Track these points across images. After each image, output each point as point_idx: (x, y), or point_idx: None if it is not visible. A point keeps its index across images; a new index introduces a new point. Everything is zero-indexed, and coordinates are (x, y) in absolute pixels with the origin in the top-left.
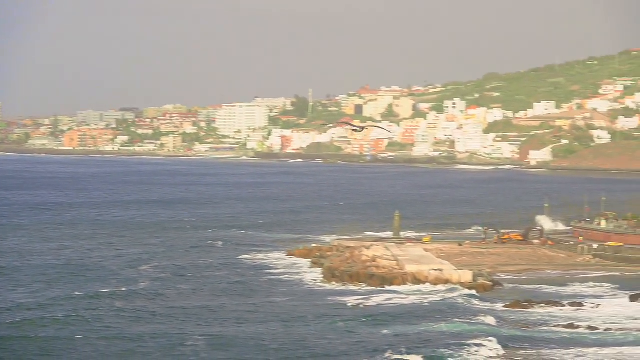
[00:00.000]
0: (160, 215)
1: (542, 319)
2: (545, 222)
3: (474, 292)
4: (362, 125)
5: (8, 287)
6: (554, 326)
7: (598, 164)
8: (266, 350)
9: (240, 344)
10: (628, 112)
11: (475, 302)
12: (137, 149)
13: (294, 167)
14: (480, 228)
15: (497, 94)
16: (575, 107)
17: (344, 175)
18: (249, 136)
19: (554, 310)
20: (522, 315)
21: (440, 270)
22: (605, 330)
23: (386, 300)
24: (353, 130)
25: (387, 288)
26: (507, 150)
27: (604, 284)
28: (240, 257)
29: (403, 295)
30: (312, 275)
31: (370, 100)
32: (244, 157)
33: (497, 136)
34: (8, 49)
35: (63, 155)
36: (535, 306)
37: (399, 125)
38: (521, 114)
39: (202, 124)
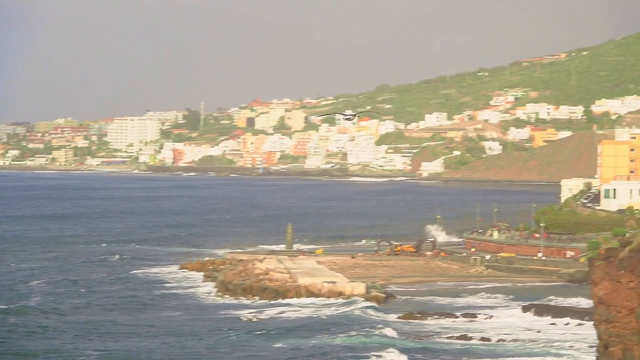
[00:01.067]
0: (53, 230)
1: (436, 330)
2: (438, 234)
3: (369, 303)
4: (354, 112)
5: None
6: (448, 337)
7: (490, 175)
8: None
9: (133, 358)
10: (519, 123)
11: (371, 314)
12: (28, 163)
13: (187, 180)
14: (373, 240)
15: (389, 106)
16: (466, 118)
17: (237, 188)
18: (141, 150)
19: (447, 321)
20: (416, 327)
21: (334, 282)
22: (498, 341)
23: (280, 313)
24: (346, 118)
25: (281, 301)
26: (399, 162)
27: (496, 295)
28: (134, 271)
29: (297, 308)
30: (205, 289)
31: (262, 113)
32: (136, 171)
33: (389, 148)
34: None
35: None
36: (428, 317)
37: (290, 138)
38: (413, 125)
39: (94, 138)
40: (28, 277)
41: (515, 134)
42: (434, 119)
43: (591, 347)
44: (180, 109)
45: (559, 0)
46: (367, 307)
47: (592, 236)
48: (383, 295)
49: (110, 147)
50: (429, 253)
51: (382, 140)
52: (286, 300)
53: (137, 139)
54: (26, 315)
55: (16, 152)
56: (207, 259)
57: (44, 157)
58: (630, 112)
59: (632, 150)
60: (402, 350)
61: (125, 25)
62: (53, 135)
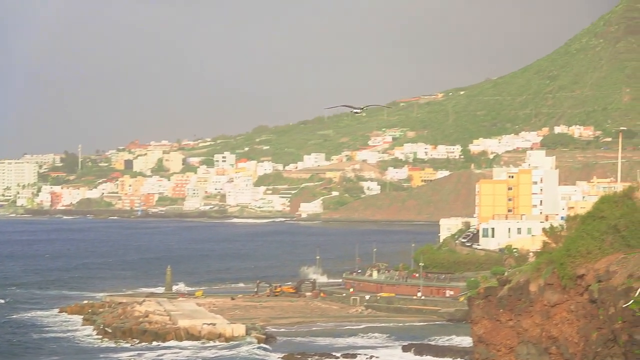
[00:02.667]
0: None
1: None
2: (318, 274)
3: (250, 346)
4: (362, 106)
5: None
6: None
7: (369, 215)
8: None
9: None
10: (397, 163)
11: (253, 355)
12: None
13: (65, 223)
14: (253, 281)
15: (267, 147)
16: (345, 158)
17: (116, 230)
18: (18, 193)
19: None
20: None
21: (213, 324)
22: None
23: (159, 356)
24: (355, 112)
25: (161, 344)
26: (278, 203)
27: (377, 334)
28: (12, 315)
29: (177, 351)
30: (84, 332)
31: (140, 155)
32: (14, 215)
33: (268, 189)
34: None
35: None
36: (309, 358)
37: (169, 180)
38: (291, 166)
39: None
40: None
41: (394, 174)
42: (312, 160)
43: None
44: (57, 152)
45: (435, 40)
46: (248, 349)
47: (471, 275)
48: (263, 336)
49: None
50: (308, 294)
51: (261, 181)
52: (166, 343)
53: (15, 182)
54: None
55: None
56: (86, 302)
57: None
58: (507, 151)
59: (509, 189)
60: None
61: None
62: None
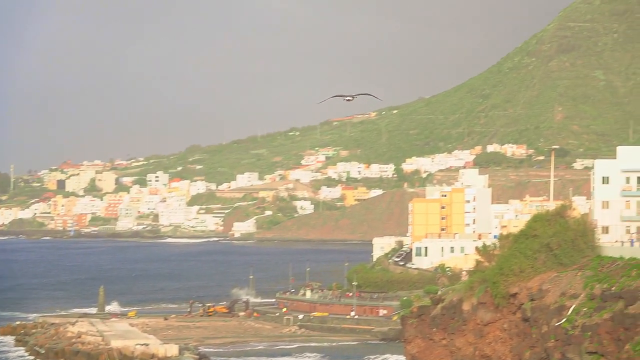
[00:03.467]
0: None
1: None
2: (251, 294)
3: None
4: (353, 95)
5: None
6: None
7: (302, 234)
8: None
9: None
10: (330, 182)
11: None
12: None
13: None
14: (186, 302)
15: (200, 167)
16: (278, 178)
17: (49, 251)
18: None
19: None
20: None
21: (146, 345)
22: None
23: None
24: (346, 100)
25: None
26: (212, 223)
27: (310, 354)
28: None
29: None
30: (17, 354)
31: (72, 175)
32: None
33: (201, 208)
34: None
35: None
36: None
37: (102, 200)
38: (224, 185)
39: None
40: None
41: (327, 193)
42: (245, 179)
43: None
44: None
45: (367, 59)
46: None
47: (405, 294)
48: (197, 356)
49: None
50: (242, 313)
51: (194, 200)
52: None
53: None
54: None
55: None
56: (18, 323)
57: None
58: (440, 170)
59: (442, 207)
60: None
61: None
62: None
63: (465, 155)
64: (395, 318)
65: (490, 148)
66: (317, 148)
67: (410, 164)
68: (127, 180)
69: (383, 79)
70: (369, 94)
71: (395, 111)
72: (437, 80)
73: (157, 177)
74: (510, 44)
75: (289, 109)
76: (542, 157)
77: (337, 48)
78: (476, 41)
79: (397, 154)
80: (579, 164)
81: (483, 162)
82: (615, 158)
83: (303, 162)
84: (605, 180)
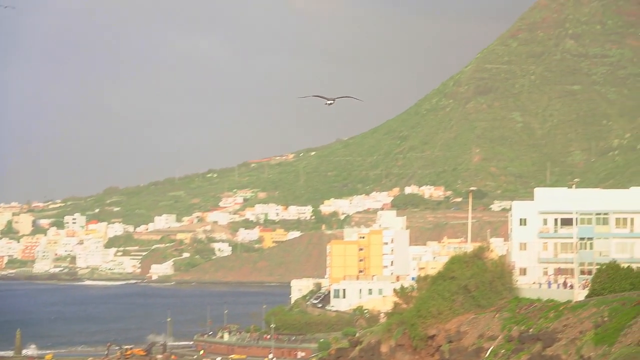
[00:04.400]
0: None
1: None
2: (169, 337)
3: None
4: (334, 98)
5: None
6: None
7: (220, 276)
8: None
9: None
10: (248, 224)
11: None
12: None
13: None
14: (103, 345)
15: (118, 209)
16: (196, 220)
17: None
18: None
19: None
20: None
21: None
22: None
23: None
24: (328, 104)
25: None
26: (129, 265)
27: None
28: None
29: None
30: None
31: None
32: None
33: (119, 250)
34: None
35: None
36: None
37: (18, 242)
38: (142, 227)
39: None
40: None
41: (245, 235)
42: (163, 221)
43: None
44: None
45: (285, 99)
46: None
47: (323, 336)
48: None
49: None
50: (159, 356)
51: (111, 243)
52: None
53: None
54: None
55: None
56: None
57: None
58: (358, 212)
59: (360, 249)
60: None
61: None
62: None
63: (383, 197)
64: None
65: (408, 190)
66: (235, 190)
67: (328, 206)
68: (44, 222)
69: (301, 120)
70: (349, 97)
71: (313, 153)
72: (355, 122)
73: (74, 219)
74: (428, 85)
75: (207, 150)
76: (459, 199)
77: (255, 89)
78: (394, 83)
79: (315, 196)
80: (496, 206)
81: (401, 204)
82: (532, 200)
83: (221, 204)
84: (522, 222)
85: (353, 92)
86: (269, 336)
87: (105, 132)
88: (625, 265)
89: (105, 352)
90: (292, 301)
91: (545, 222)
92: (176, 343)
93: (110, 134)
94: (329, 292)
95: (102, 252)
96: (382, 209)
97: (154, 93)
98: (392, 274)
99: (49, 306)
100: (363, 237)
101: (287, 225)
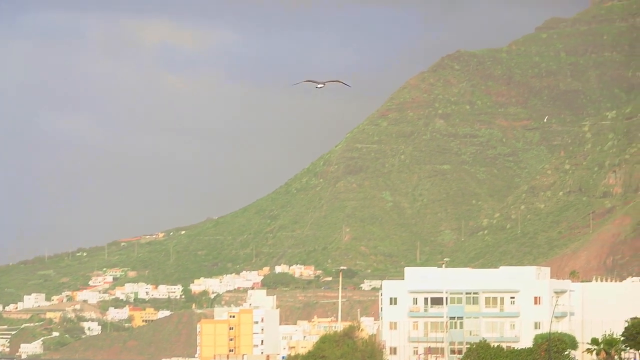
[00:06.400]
0: None
1: None
2: None
3: None
4: (324, 81)
5: None
6: None
7: (89, 355)
8: None
9: None
10: (118, 303)
11: None
12: None
13: None
14: None
15: None
16: (65, 299)
17: None
18: None
19: None
20: None
21: None
22: None
23: None
24: (318, 87)
25: None
26: None
27: None
28: None
29: None
30: None
31: None
32: None
33: None
34: None
35: None
36: None
37: None
38: (11, 306)
39: None
40: None
41: (115, 314)
42: (32, 300)
43: None
44: None
45: (157, 180)
46: None
47: None
48: None
49: None
50: None
51: None
52: None
53: None
54: None
55: None
56: None
57: None
58: (228, 291)
59: (231, 328)
60: None
61: None
62: None
63: (254, 276)
64: None
65: (279, 269)
66: (104, 269)
67: (198, 285)
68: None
69: (171, 199)
70: (339, 81)
71: (183, 232)
72: (225, 201)
73: None
74: (299, 165)
75: (77, 229)
76: (330, 278)
77: (125, 167)
78: (264, 161)
79: (185, 275)
80: (366, 285)
81: (271, 283)
82: (402, 279)
83: (91, 282)
84: (393, 301)
85: (221, 172)
86: None
87: None
88: (496, 345)
89: None
90: None
91: (415, 301)
92: None
93: None
94: None
95: None
96: (252, 288)
97: (25, 172)
98: (262, 353)
99: None
100: (233, 316)
101: (157, 304)
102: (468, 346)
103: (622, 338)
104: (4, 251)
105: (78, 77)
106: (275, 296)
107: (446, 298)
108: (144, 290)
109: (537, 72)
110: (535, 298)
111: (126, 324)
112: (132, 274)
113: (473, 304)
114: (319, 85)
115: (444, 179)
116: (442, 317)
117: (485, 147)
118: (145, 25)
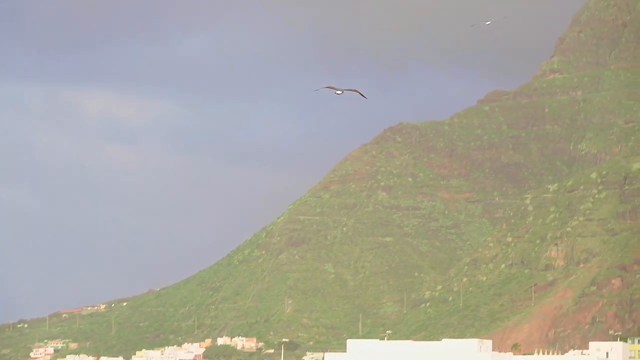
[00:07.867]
0: None
1: None
2: None
3: None
4: (344, 89)
5: None
6: None
7: None
8: None
9: None
10: None
11: None
12: None
13: None
14: None
15: None
16: None
17: None
18: None
19: None
20: None
21: None
22: None
23: None
24: (337, 94)
25: None
26: None
27: None
28: None
29: None
30: None
31: None
32: None
33: None
34: None
35: None
36: None
37: None
38: None
39: None
40: None
41: None
42: None
43: None
44: None
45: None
46: None
47: None
48: None
49: None
50: None
51: None
52: None
53: None
54: None
55: None
56: None
57: None
58: None
59: None
60: None
61: None
62: None
63: (195, 348)
64: None
65: (221, 341)
66: (46, 340)
67: (140, 357)
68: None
69: (113, 271)
70: (357, 91)
71: (125, 303)
72: (167, 272)
73: None
74: (241, 236)
75: (18, 300)
76: (272, 350)
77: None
78: (206, 233)
79: (127, 347)
80: (309, 357)
81: (213, 355)
82: (345, 351)
83: (32, 354)
84: None
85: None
86: None
87: None
88: None
89: None
90: None
91: None
92: None
93: None
94: None
95: None
96: None
97: None
98: None
99: None
100: None
101: None
102: None
103: None
104: None
105: (19, 147)
106: None
107: None
108: None
109: (479, 145)
110: None
111: None
112: (73, 345)
113: None
114: (338, 92)
115: (387, 251)
116: None
117: (428, 220)
118: (85, 95)
